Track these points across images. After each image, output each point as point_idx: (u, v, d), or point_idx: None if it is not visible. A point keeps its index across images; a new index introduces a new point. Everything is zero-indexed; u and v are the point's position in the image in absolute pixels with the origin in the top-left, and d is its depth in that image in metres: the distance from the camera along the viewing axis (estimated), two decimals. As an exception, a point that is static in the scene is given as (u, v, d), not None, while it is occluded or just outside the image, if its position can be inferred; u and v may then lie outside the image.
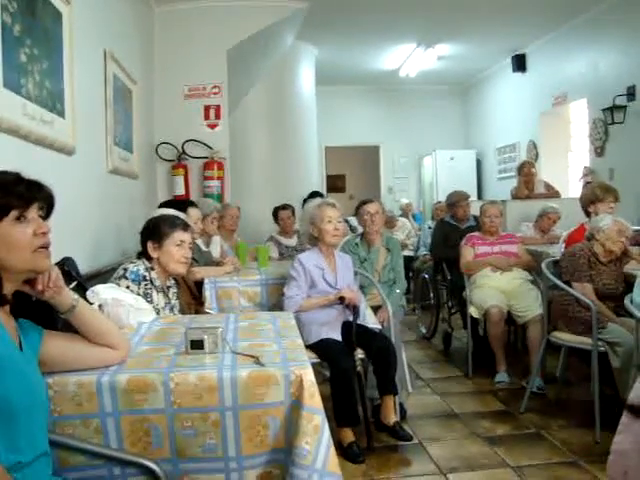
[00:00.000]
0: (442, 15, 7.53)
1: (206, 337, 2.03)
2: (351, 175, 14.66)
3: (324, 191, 11.23)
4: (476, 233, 5.26)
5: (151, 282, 3.05)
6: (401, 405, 4.04)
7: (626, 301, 3.35)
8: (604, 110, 6.88)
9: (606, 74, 7.29)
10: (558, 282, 3.97)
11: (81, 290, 2.31)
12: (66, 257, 2.74)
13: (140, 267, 3.05)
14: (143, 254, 3.17)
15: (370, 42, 8.80)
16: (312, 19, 7.25)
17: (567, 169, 8.91)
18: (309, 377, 1.85)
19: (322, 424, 1.83)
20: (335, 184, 14.03)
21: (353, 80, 11.04)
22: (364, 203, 4.75)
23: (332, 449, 1.86)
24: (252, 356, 1.95)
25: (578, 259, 3.97)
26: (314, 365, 3.60)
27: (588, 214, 4.77)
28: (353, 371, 3.52)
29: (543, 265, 4.11)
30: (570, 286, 3.93)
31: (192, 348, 2.03)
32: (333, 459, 1.84)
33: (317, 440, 1.81)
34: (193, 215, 4.31)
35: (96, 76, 4.26)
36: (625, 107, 6.75)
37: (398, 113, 11.74)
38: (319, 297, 3.81)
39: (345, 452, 3.45)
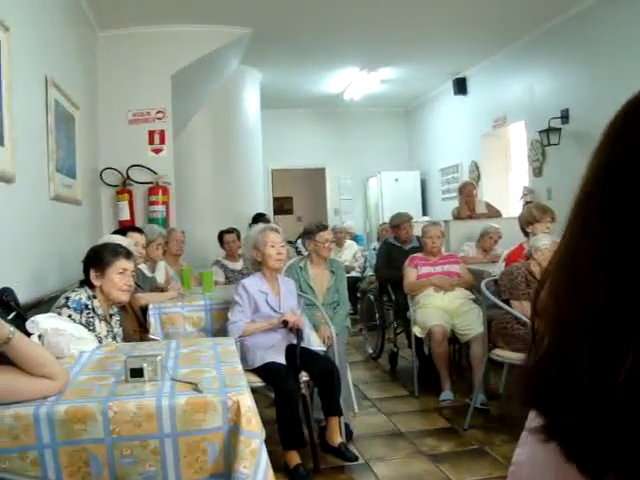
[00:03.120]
0: (384, 40, 7.68)
1: (145, 365, 2.05)
2: (298, 197, 14.74)
3: (271, 213, 11.27)
4: (418, 254, 5.36)
5: (93, 310, 3.05)
6: (347, 426, 4.08)
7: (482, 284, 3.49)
8: (540, 132, 7.10)
9: (542, 97, 7.53)
10: (496, 301, 4.08)
11: (20, 320, 2.31)
12: (4, 287, 2.73)
13: (82, 295, 3.05)
14: (85, 282, 3.17)
15: (314, 66, 8.92)
16: (256, 44, 7.33)
17: (508, 189, 9.12)
18: (246, 402, 1.89)
19: (260, 448, 1.87)
20: (282, 206, 14.10)
21: (298, 103, 11.15)
22: (320, 229, 4.75)
23: (270, 472, 1.89)
24: (191, 383, 1.98)
25: (516, 278, 4.09)
26: (259, 389, 3.66)
27: (526, 234, 4.91)
28: (297, 394, 3.57)
29: (482, 284, 4.22)
30: (509, 304, 4.05)
31: (132, 376, 2.05)
32: (272, 482, 1.88)
33: (255, 464, 1.84)
34: (137, 241, 4.31)
35: (37, 103, 4.24)
36: (560, 129, 6.97)
37: (343, 135, 11.87)
38: (262, 321, 3.85)
39: (292, 474, 3.47)
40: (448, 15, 6.87)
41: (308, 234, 4.78)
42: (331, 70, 9.22)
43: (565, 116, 6.97)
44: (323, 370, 3.74)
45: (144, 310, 4.11)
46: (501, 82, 8.54)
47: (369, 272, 7.68)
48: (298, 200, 14.80)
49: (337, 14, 6.72)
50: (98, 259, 3.17)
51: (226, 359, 2.39)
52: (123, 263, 3.16)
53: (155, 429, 1.82)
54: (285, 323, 3.79)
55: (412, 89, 10.56)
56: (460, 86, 9.58)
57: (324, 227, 4.81)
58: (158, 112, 6.72)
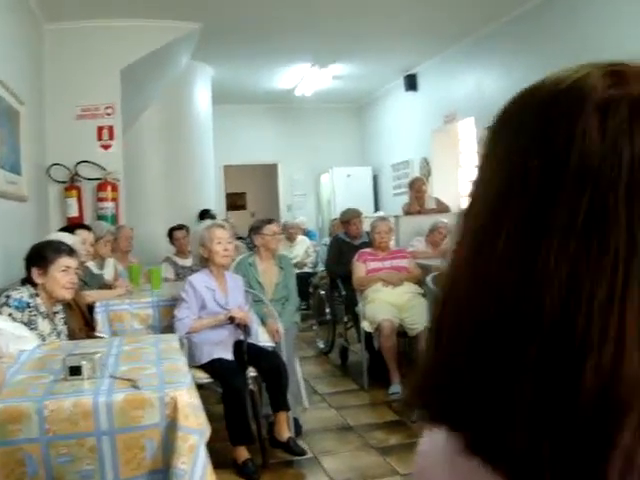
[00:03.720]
0: (335, 36, 7.71)
1: (84, 363, 2.05)
2: (252, 193, 14.71)
3: (223, 209, 11.24)
4: (367, 249, 5.41)
5: (36, 308, 3.02)
6: (296, 421, 4.11)
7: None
8: (488, 128, 7.20)
9: (490, 94, 7.64)
10: (441, 295, 4.13)
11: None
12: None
13: (24, 294, 3.01)
14: (28, 280, 3.13)
15: (265, 62, 8.89)
16: (206, 39, 7.29)
17: (457, 184, 9.24)
18: (184, 399, 1.90)
19: (198, 444, 1.88)
20: (236, 202, 14.04)
21: (250, 99, 11.12)
22: (266, 223, 4.77)
23: (209, 467, 1.91)
24: (129, 380, 1.98)
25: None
26: (208, 385, 3.66)
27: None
28: (245, 389, 3.58)
29: (428, 278, 4.28)
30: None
31: (71, 374, 2.04)
32: (210, 478, 1.89)
33: (193, 460, 1.85)
34: (84, 238, 4.28)
35: (-22, 98, 4.16)
36: (507, 126, 7.08)
37: (296, 131, 11.88)
38: (209, 318, 3.85)
39: (240, 470, 3.49)
40: (398, 11, 6.92)
41: (255, 229, 4.80)
42: (283, 66, 9.21)
43: (513, 112, 7.08)
44: (271, 366, 3.76)
45: (91, 308, 4.07)
46: (451, 78, 8.64)
47: (321, 267, 7.71)
48: (251, 196, 14.77)
49: (287, 10, 6.72)
50: (40, 257, 3.13)
51: (167, 356, 2.40)
52: (66, 261, 3.13)
53: (92, 427, 1.82)
54: (232, 319, 3.80)
55: (364, 85, 10.61)
56: (411, 82, 9.66)
57: (270, 220, 4.83)
58: (107, 107, 6.64)
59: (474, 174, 0.60)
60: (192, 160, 8.41)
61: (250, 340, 3.82)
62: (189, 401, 1.91)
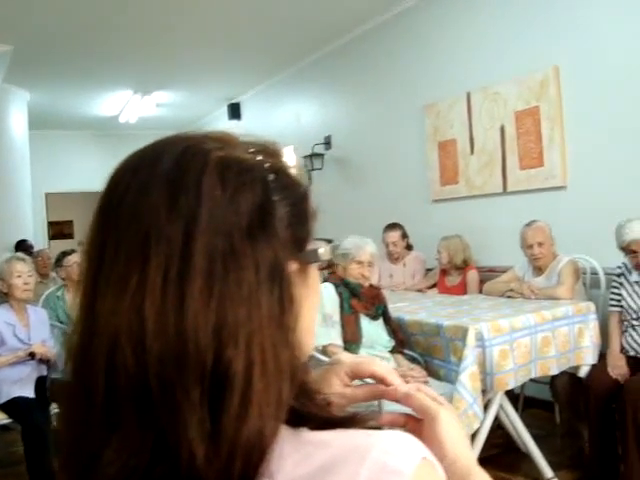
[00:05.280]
0: (156, 64, 7.69)
1: None
2: (80, 221, 14.21)
3: (46, 238, 10.83)
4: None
5: None
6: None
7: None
8: (305, 157, 7.45)
9: (307, 124, 7.94)
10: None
11: None
12: None
13: None
14: None
15: (85, 87, 8.67)
16: (19, 62, 7.03)
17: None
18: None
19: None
20: (62, 230, 13.53)
21: (74, 125, 10.81)
22: (67, 254, 4.67)
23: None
24: None
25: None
26: (9, 425, 3.54)
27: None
28: (47, 427, 3.48)
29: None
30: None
31: None
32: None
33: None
34: None
35: None
36: (323, 155, 7.38)
37: (122, 158, 11.62)
38: (8, 355, 3.71)
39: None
40: (219, 42, 7.03)
41: (57, 262, 4.69)
42: (104, 92, 9.03)
43: (328, 142, 7.41)
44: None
45: None
46: (272, 108, 8.86)
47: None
48: (79, 224, 14.26)
49: (106, 36, 6.62)
50: None
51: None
52: None
53: None
54: (32, 355, 3.69)
55: (189, 113, 10.62)
56: (234, 111, 9.80)
57: (71, 251, 4.73)
58: None
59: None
60: (6, 188, 8.02)
61: (57, 375, 3.73)
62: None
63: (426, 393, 0.80)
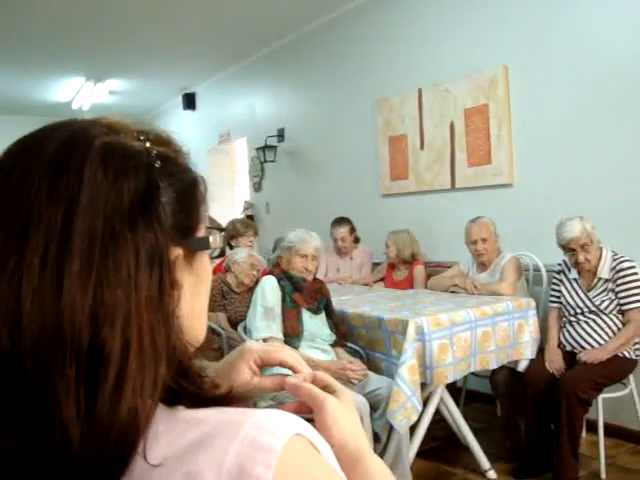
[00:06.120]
0: (108, 51, 7.57)
1: None
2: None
3: None
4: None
5: None
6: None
7: (239, 329, 3.69)
8: (258, 149, 7.43)
9: (261, 116, 7.91)
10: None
11: None
12: None
13: None
14: None
15: (38, 72, 8.49)
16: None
17: (234, 203, 9.41)
18: None
19: None
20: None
21: (23, 110, 10.55)
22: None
23: None
24: None
25: (212, 290, 4.25)
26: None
27: (231, 247, 5.13)
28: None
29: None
30: (208, 316, 4.21)
31: None
32: None
33: None
34: None
35: None
36: (276, 147, 7.36)
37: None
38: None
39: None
40: (173, 30, 6.94)
41: None
42: (56, 78, 8.86)
43: (281, 135, 7.39)
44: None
45: None
46: (227, 99, 8.80)
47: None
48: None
49: (56, 18, 6.48)
50: None
51: None
52: None
53: None
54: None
55: (143, 102, 10.49)
56: (189, 101, 9.72)
57: None
58: None
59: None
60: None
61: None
62: None
63: (321, 380, 0.81)
